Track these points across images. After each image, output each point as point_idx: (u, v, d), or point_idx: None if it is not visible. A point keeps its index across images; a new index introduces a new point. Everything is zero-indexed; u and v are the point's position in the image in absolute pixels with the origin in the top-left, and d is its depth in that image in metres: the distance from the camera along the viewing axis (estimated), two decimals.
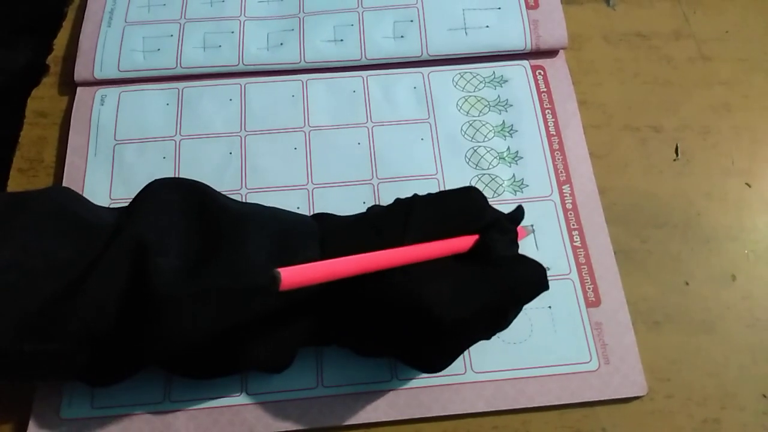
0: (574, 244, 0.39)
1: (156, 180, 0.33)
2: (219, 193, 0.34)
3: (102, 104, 0.43)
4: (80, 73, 0.43)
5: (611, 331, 0.36)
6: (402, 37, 0.44)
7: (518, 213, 0.35)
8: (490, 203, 0.34)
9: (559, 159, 0.41)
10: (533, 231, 0.39)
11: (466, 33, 0.44)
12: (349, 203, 0.39)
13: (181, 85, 0.43)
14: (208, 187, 0.34)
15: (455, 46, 0.44)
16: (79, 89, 0.43)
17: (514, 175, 0.41)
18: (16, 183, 0.41)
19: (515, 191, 0.40)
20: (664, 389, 0.36)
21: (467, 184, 0.40)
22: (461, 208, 0.34)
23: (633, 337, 0.36)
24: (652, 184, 0.41)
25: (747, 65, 0.45)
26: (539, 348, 0.36)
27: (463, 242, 0.32)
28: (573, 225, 0.39)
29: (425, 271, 0.30)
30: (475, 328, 0.31)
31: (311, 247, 0.32)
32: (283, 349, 0.33)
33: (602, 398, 0.35)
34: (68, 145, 0.41)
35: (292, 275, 0.25)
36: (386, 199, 0.39)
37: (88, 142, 0.41)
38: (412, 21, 0.45)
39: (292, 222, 0.33)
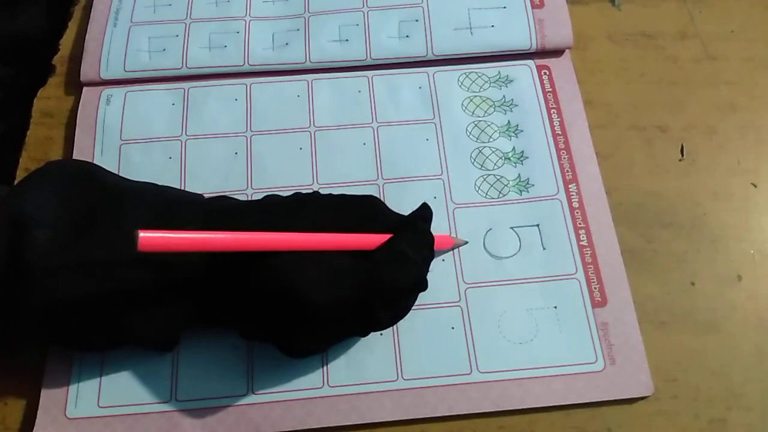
0: (581, 243, 0.39)
1: (49, 161, 0.34)
2: (107, 171, 0.34)
3: (108, 104, 0.43)
4: (86, 73, 0.43)
5: (617, 331, 0.36)
6: (407, 36, 0.44)
7: (425, 210, 0.35)
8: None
9: (565, 158, 0.41)
10: (465, 243, 0.38)
11: (471, 33, 0.44)
12: None
13: (186, 85, 0.43)
14: (97, 166, 0.34)
15: (460, 45, 0.44)
16: (85, 89, 0.43)
17: (519, 175, 0.41)
18: None
19: (521, 191, 0.40)
20: (670, 389, 0.36)
21: (472, 185, 0.40)
22: (365, 209, 0.34)
23: (639, 337, 0.36)
24: (658, 184, 0.41)
25: (753, 65, 0.45)
26: (545, 348, 0.36)
27: (370, 240, 0.32)
28: (579, 224, 0.39)
29: (302, 258, 0.30)
30: (342, 317, 0.31)
31: (192, 223, 0.32)
32: (164, 328, 0.33)
33: (608, 398, 0.35)
34: (74, 145, 0.41)
35: (152, 238, 0.25)
36: (391, 199, 0.39)
37: (94, 142, 0.41)
38: (417, 21, 0.45)
39: (178, 199, 0.34)
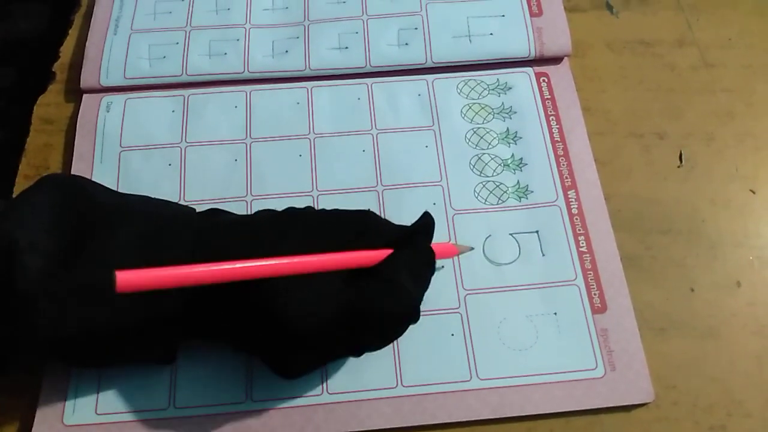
0: (580, 249, 0.39)
1: (42, 178, 0.33)
2: (100, 187, 0.34)
3: (108, 111, 0.43)
4: (86, 80, 0.43)
5: (617, 337, 0.36)
6: (406, 44, 0.45)
7: (426, 221, 0.34)
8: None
9: (564, 165, 0.41)
10: (471, 250, 0.38)
11: (470, 40, 0.45)
12: None
13: (186, 92, 0.44)
14: (90, 182, 0.34)
15: (459, 53, 0.44)
16: (85, 96, 0.43)
17: (518, 182, 0.41)
18: (22, 189, 0.40)
19: (520, 198, 0.40)
20: (670, 396, 0.35)
21: (472, 191, 0.40)
22: (361, 225, 0.33)
23: (639, 344, 0.36)
24: (657, 191, 0.41)
25: (750, 72, 0.45)
26: (545, 355, 0.36)
27: (367, 257, 0.31)
28: (579, 230, 0.39)
29: (290, 282, 0.30)
30: (328, 342, 0.31)
31: (182, 244, 0.31)
32: (158, 347, 0.33)
33: (608, 405, 0.35)
34: (74, 151, 0.41)
35: (129, 279, 0.25)
36: (391, 206, 0.39)
37: (93, 149, 0.41)
38: (416, 28, 0.45)
39: (170, 218, 0.33)
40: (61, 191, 0.32)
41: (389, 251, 0.32)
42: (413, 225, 0.34)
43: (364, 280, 0.31)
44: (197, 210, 0.35)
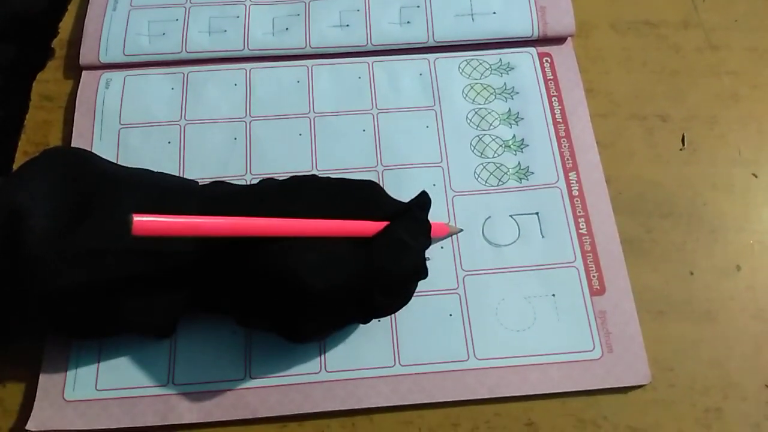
0: (580, 231, 0.39)
1: (45, 150, 0.34)
2: (102, 159, 0.34)
3: (107, 88, 0.42)
4: (85, 56, 0.43)
5: (615, 319, 0.36)
6: (408, 22, 0.44)
7: (423, 198, 0.35)
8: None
9: (565, 146, 0.41)
10: (460, 231, 0.38)
11: (472, 19, 0.44)
12: None
13: (186, 69, 0.43)
14: (92, 153, 0.34)
15: (462, 32, 0.44)
16: (84, 73, 0.43)
17: (519, 163, 0.40)
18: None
19: (520, 179, 0.40)
20: (667, 378, 0.36)
21: (472, 172, 0.40)
22: (364, 195, 0.34)
23: (637, 326, 0.36)
24: (658, 174, 0.41)
25: (756, 55, 0.45)
26: (542, 336, 0.36)
27: (367, 227, 0.32)
28: (579, 212, 0.39)
29: (300, 244, 0.30)
30: (342, 304, 0.31)
31: (186, 211, 0.32)
32: (161, 315, 0.33)
33: (605, 386, 0.35)
34: (73, 128, 0.41)
35: (146, 222, 0.25)
36: (391, 186, 0.39)
37: (93, 126, 0.41)
38: (418, 6, 0.45)
39: (174, 185, 0.34)
40: (64, 161, 0.32)
41: (387, 223, 0.33)
42: (411, 200, 0.35)
43: (375, 241, 0.31)
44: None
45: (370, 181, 0.35)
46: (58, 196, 0.31)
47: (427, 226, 0.34)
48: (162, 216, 0.26)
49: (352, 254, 0.31)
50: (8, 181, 0.31)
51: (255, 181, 0.39)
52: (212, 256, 0.31)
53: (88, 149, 0.40)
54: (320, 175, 0.35)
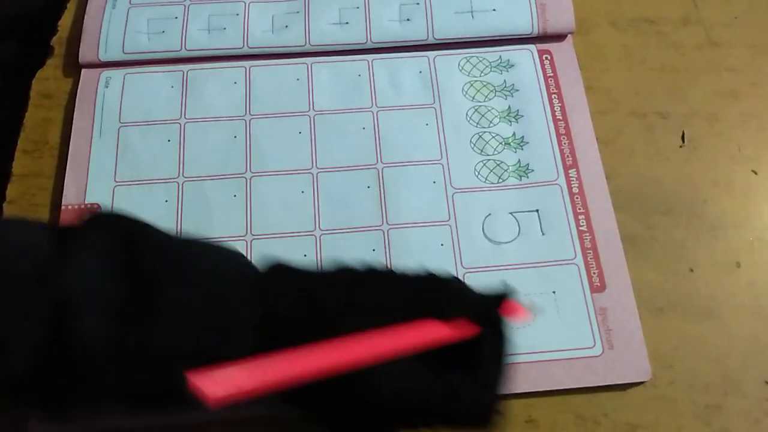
0: (580, 228, 0.39)
1: (93, 216, 0.31)
2: (155, 232, 0.31)
3: (107, 86, 0.42)
4: (85, 54, 0.43)
5: (616, 316, 0.36)
6: (408, 20, 0.44)
7: (507, 295, 0.31)
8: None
9: (565, 143, 0.41)
10: (537, 310, 0.36)
11: (472, 16, 0.44)
12: (353, 188, 0.39)
13: (185, 67, 0.43)
14: (143, 224, 0.31)
15: (461, 29, 0.44)
16: (83, 71, 0.43)
17: (519, 161, 0.40)
18: (20, 164, 0.41)
19: (520, 176, 0.40)
20: (667, 375, 0.36)
21: (472, 170, 0.40)
22: (432, 291, 0.30)
23: (638, 323, 0.36)
24: (658, 171, 0.41)
25: (755, 51, 0.45)
26: (543, 333, 0.36)
27: (437, 332, 0.29)
28: (579, 209, 0.39)
29: (385, 369, 0.28)
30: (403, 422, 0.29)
31: (242, 348, 0.28)
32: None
33: (606, 383, 0.35)
34: (73, 126, 0.41)
35: (222, 399, 0.24)
36: (390, 184, 0.39)
37: (92, 124, 0.41)
38: (418, 4, 0.44)
39: (233, 280, 0.30)
40: (118, 239, 0.30)
41: (466, 329, 0.29)
42: (493, 297, 0.31)
43: (454, 375, 0.28)
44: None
45: (432, 275, 0.31)
46: (111, 285, 0.29)
47: (509, 341, 0.30)
48: (234, 380, 0.25)
49: (428, 384, 0.28)
50: (57, 265, 0.29)
51: (255, 179, 0.39)
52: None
53: (88, 148, 0.40)
54: (379, 269, 0.31)
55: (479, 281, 0.37)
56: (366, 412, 0.28)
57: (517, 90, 0.43)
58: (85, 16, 0.44)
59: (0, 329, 0.27)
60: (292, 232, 0.38)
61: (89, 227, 0.30)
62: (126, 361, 0.28)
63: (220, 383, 0.24)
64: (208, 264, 0.30)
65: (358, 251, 0.38)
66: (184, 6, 0.45)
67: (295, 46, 0.43)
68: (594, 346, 0.36)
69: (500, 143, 0.41)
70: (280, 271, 0.32)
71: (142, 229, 0.31)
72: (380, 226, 0.39)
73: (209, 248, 0.32)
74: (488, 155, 0.41)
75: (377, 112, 0.42)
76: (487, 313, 0.30)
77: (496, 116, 0.42)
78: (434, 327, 0.28)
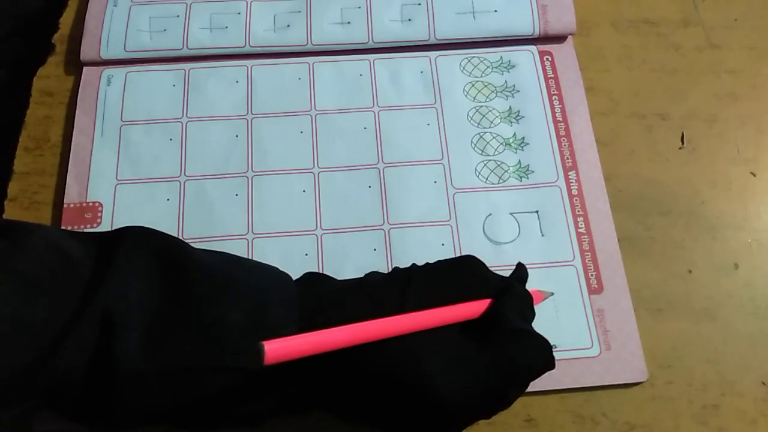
0: (579, 230, 0.39)
1: (132, 231, 0.30)
2: (194, 251, 0.31)
3: (108, 84, 0.42)
4: (86, 52, 0.43)
5: (613, 317, 0.37)
6: (409, 20, 0.44)
7: (521, 272, 0.33)
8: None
9: (565, 145, 0.41)
10: (551, 295, 0.36)
11: (474, 17, 0.44)
12: (354, 187, 0.40)
13: (187, 66, 0.43)
14: (184, 245, 0.31)
15: (463, 30, 0.44)
16: (85, 69, 0.43)
17: (519, 161, 0.41)
18: (22, 162, 0.41)
19: (521, 177, 0.40)
20: (665, 375, 0.36)
21: (473, 170, 0.40)
22: (463, 275, 0.32)
23: (635, 324, 0.37)
24: (658, 172, 0.41)
25: (755, 53, 0.45)
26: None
27: (473, 308, 0.30)
28: (578, 211, 0.39)
29: (424, 342, 0.28)
30: (476, 409, 0.30)
31: (288, 325, 0.29)
32: (251, 419, 0.30)
33: (603, 384, 0.35)
34: (75, 124, 0.41)
35: (278, 349, 0.24)
36: (391, 184, 0.40)
37: (94, 122, 0.41)
38: (419, 4, 0.45)
39: (270, 287, 0.31)
40: (158, 256, 0.30)
41: (488, 300, 0.31)
42: (511, 274, 0.33)
43: (494, 335, 0.30)
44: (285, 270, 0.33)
45: (466, 257, 0.33)
46: (153, 301, 0.29)
47: (530, 300, 0.32)
48: (289, 339, 0.25)
49: (481, 354, 0.29)
50: (97, 281, 0.28)
51: (257, 179, 0.40)
52: (317, 359, 0.27)
53: (89, 146, 0.40)
54: (418, 264, 0.33)
55: None
56: (430, 403, 0.28)
57: (518, 91, 0.43)
58: (87, 14, 0.44)
59: (43, 340, 0.27)
60: (294, 231, 0.39)
61: (126, 241, 0.30)
62: (169, 379, 0.28)
63: (277, 344, 0.25)
64: (246, 279, 0.30)
65: (359, 251, 0.38)
66: (186, 4, 0.45)
67: (296, 46, 0.44)
68: (592, 346, 0.36)
69: (501, 144, 0.41)
70: (315, 280, 0.33)
71: (178, 246, 0.31)
72: (381, 225, 0.39)
73: (246, 263, 0.32)
74: (489, 156, 0.41)
75: (378, 111, 0.42)
76: (509, 286, 0.32)
77: (497, 117, 0.42)
78: (463, 306, 0.30)
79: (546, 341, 0.30)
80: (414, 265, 0.33)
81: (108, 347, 0.27)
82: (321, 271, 0.37)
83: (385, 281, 0.32)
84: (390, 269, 0.37)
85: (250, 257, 0.37)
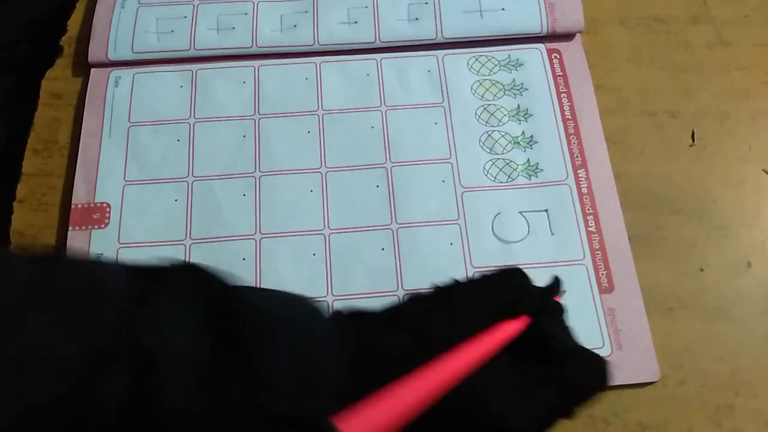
0: (589, 229, 0.38)
1: (173, 266, 0.29)
2: (237, 286, 0.30)
3: (116, 86, 0.43)
4: (94, 54, 0.43)
5: (624, 317, 0.36)
6: (416, 19, 0.44)
7: (556, 286, 0.32)
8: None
9: (574, 143, 0.41)
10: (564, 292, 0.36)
11: (481, 15, 0.44)
12: (362, 187, 0.39)
13: (194, 67, 0.43)
14: (227, 281, 0.30)
15: (470, 28, 0.44)
16: (93, 70, 0.43)
17: (528, 160, 0.40)
18: (30, 163, 0.41)
19: (530, 176, 0.40)
20: (677, 375, 0.35)
21: (481, 169, 0.40)
22: (505, 290, 0.31)
23: (646, 324, 0.36)
24: (668, 170, 0.41)
25: (766, 50, 0.45)
26: None
27: (516, 326, 0.29)
28: (588, 210, 0.39)
29: (481, 373, 0.28)
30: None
31: (339, 375, 0.28)
32: None
33: (615, 383, 0.35)
34: (83, 126, 0.41)
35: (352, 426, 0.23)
36: (399, 184, 0.39)
37: (102, 124, 0.41)
38: (426, 3, 0.44)
39: (317, 329, 0.29)
40: (202, 292, 0.28)
41: (527, 319, 0.30)
42: (545, 288, 0.32)
43: (546, 355, 0.29)
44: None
45: (508, 271, 0.32)
46: (197, 342, 0.27)
47: (564, 313, 0.32)
48: (363, 411, 0.24)
49: (541, 377, 0.28)
50: (137, 315, 0.27)
51: (264, 179, 0.40)
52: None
53: (97, 148, 0.41)
54: (459, 280, 0.32)
55: None
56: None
57: (526, 89, 0.43)
58: (95, 16, 0.44)
59: (74, 375, 0.25)
60: (301, 231, 0.38)
61: (171, 276, 0.28)
62: (215, 425, 0.27)
63: (354, 425, 0.24)
64: (293, 320, 0.29)
65: (367, 250, 0.38)
66: (193, 5, 0.45)
67: (303, 46, 0.43)
68: (603, 346, 0.36)
69: (509, 142, 0.41)
70: (356, 319, 0.31)
71: (223, 283, 0.29)
72: (389, 225, 0.39)
73: (289, 301, 0.31)
74: (497, 154, 0.41)
75: (386, 111, 0.42)
76: (546, 303, 0.31)
77: (505, 115, 0.42)
78: (509, 325, 0.29)
79: (600, 357, 0.30)
80: (455, 281, 0.31)
81: (149, 387, 0.26)
82: (330, 274, 0.37)
83: (427, 311, 0.30)
84: (398, 270, 0.37)
85: (257, 260, 0.37)
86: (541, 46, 0.44)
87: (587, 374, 0.29)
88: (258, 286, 0.32)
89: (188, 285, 0.28)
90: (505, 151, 0.41)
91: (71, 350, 0.26)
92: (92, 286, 0.28)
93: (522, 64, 0.43)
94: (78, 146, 0.41)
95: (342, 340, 0.29)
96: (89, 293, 0.27)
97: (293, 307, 0.30)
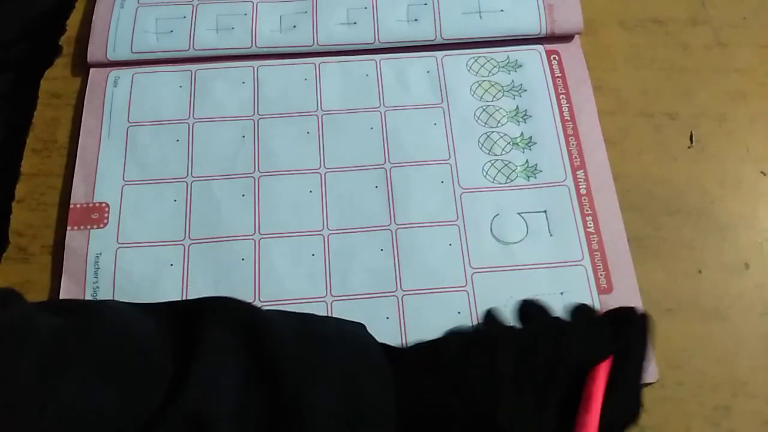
0: (588, 230, 0.38)
1: (211, 307, 0.28)
2: (277, 324, 0.29)
3: (115, 86, 0.43)
4: (93, 54, 0.43)
5: None
6: (416, 20, 0.44)
7: (644, 325, 0.30)
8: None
9: (573, 144, 0.41)
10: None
11: (480, 16, 0.44)
12: (361, 187, 0.40)
13: (194, 67, 0.43)
14: (267, 321, 0.29)
15: (469, 29, 0.44)
16: (92, 70, 0.43)
17: (527, 161, 0.40)
18: (29, 163, 0.41)
19: (528, 177, 0.40)
20: (675, 376, 0.36)
21: (480, 170, 0.40)
22: (557, 347, 0.29)
23: None
24: (666, 172, 0.41)
25: (764, 52, 0.45)
26: None
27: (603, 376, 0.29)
28: (587, 211, 0.39)
29: None
30: None
31: (386, 416, 0.27)
32: None
33: None
34: (82, 126, 0.41)
35: None
36: (398, 184, 0.39)
37: (101, 124, 0.41)
38: (426, 4, 0.44)
39: (366, 376, 0.28)
40: (243, 339, 0.27)
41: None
42: (634, 332, 0.31)
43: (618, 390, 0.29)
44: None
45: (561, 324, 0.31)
46: (244, 395, 0.26)
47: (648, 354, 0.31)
48: None
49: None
50: (183, 369, 0.26)
51: (263, 179, 0.40)
52: None
53: (96, 148, 0.41)
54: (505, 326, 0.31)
55: (488, 282, 0.37)
56: None
57: (525, 90, 0.43)
58: (94, 16, 0.44)
59: None
60: (300, 232, 0.38)
61: (207, 319, 0.27)
62: None
63: None
64: (341, 357, 0.28)
65: (366, 251, 0.38)
66: (193, 6, 0.45)
67: (303, 46, 0.43)
68: None
69: (508, 143, 0.41)
70: (392, 350, 0.30)
71: (263, 323, 0.28)
72: (388, 225, 0.39)
73: (329, 332, 0.30)
74: (496, 155, 0.41)
75: (385, 111, 0.42)
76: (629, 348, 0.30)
77: (504, 116, 0.42)
78: (598, 377, 0.29)
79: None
80: (510, 328, 0.30)
81: None
82: (330, 274, 0.37)
83: (468, 364, 0.29)
84: (397, 271, 0.37)
85: (256, 261, 0.37)
86: (540, 47, 0.44)
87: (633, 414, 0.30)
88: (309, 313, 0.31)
89: (225, 330, 0.27)
90: (504, 152, 0.41)
91: (109, 408, 0.25)
92: (127, 339, 0.26)
93: (521, 66, 0.43)
94: (77, 146, 0.41)
95: (387, 386, 0.28)
96: (125, 347, 0.26)
97: (343, 343, 0.29)
